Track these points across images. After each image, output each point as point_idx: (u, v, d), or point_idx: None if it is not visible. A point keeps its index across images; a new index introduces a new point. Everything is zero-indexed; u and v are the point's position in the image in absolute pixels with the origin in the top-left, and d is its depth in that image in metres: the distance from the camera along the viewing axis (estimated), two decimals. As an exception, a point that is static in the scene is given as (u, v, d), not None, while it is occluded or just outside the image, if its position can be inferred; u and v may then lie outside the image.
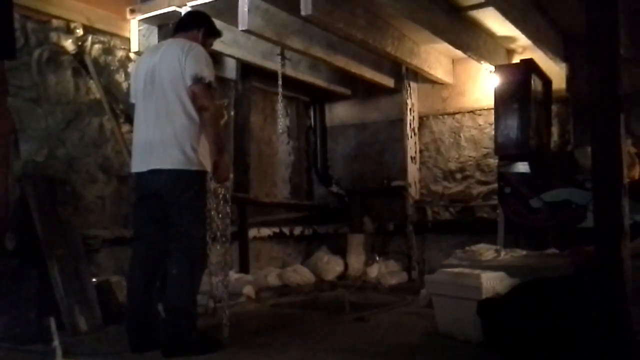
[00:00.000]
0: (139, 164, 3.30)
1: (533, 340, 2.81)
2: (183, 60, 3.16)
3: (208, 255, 3.29)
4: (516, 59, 5.64)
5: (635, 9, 4.75)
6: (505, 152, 4.87)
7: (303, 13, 4.02)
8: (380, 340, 3.52)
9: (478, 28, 5.07)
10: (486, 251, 3.93)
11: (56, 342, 2.81)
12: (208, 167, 3.24)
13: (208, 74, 3.18)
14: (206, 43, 3.45)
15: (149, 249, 3.32)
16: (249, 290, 5.13)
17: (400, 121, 6.37)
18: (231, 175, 3.52)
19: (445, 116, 6.30)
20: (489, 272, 3.42)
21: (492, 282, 3.29)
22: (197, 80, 3.14)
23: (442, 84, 6.22)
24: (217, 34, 3.61)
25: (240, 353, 3.20)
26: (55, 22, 4.39)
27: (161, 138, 3.18)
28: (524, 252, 4.12)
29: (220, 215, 3.33)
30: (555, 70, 5.43)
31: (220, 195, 3.33)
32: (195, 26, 3.45)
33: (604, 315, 2.77)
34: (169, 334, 3.15)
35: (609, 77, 3.00)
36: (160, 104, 3.21)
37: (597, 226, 2.95)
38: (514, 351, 2.88)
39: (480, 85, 6.01)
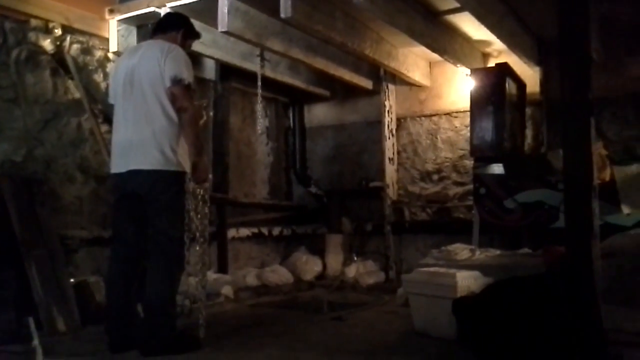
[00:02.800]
0: (118, 165, 3.32)
1: (506, 338, 2.89)
2: (162, 61, 3.19)
3: (186, 255, 3.31)
4: (492, 63, 5.74)
5: (606, 14, 4.87)
6: (481, 154, 4.96)
7: (283, 15, 4.06)
8: (358, 338, 3.59)
9: (454, 32, 5.15)
10: (461, 251, 4.02)
11: (36, 342, 2.82)
12: (187, 167, 3.26)
13: (187, 76, 3.21)
14: (185, 44, 3.47)
15: (128, 249, 3.33)
16: (227, 290, 5.15)
17: (378, 123, 6.43)
18: (210, 176, 3.54)
19: (423, 118, 6.39)
20: (464, 271, 3.50)
21: (467, 281, 3.37)
22: (177, 81, 3.17)
23: (419, 86, 6.30)
24: (195, 35, 3.64)
25: (218, 352, 3.24)
26: (33, 22, 4.36)
27: (140, 139, 3.20)
28: (498, 252, 4.22)
29: (199, 216, 3.34)
30: (530, 74, 5.54)
31: (199, 196, 3.35)
32: (174, 28, 3.48)
33: (574, 313, 2.86)
34: (148, 334, 3.17)
35: (580, 82, 3.09)
36: (139, 105, 3.23)
37: (568, 226, 3.04)
38: (487, 349, 2.95)
39: (457, 87, 6.10)
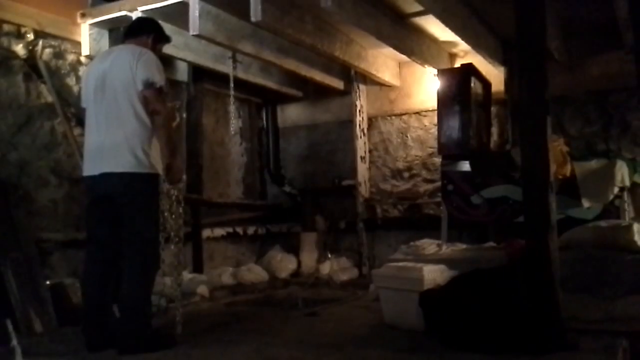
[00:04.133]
0: (90, 168, 3.36)
1: (469, 327, 3.03)
2: (134, 65, 3.23)
3: (160, 255, 3.38)
4: (458, 63, 5.91)
5: (568, 15, 5.04)
6: (448, 151, 5.12)
7: (253, 19, 4.17)
8: (330, 332, 3.69)
9: (422, 34, 5.29)
10: (429, 246, 4.15)
11: (14, 342, 2.86)
12: (160, 169, 3.33)
13: (159, 79, 3.26)
14: (156, 48, 3.52)
15: (103, 251, 3.39)
16: (202, 289, 5.22)
17: (350, 122, 6.57)
18: (184, 177, 3.61)
19: (393, 117, 6.54)
20: (430, 265, 3.63)
21: (433, 274, 3.50)
22: (149, 85, 3.22)
23: (389, 86, 6.45)
24: (166, 39, 3.69)
25: (193, 349, 3.30)
26: (5, 27, 4.40)
27: (113, 142, 3.25)
28: (464, 246, 4.37)
29: (173, 216, 3.43)
30: (495, 74, 5.71)
31: (173, 197, 3.43)
32: (144, 32, 3.52)
33: (533, 303, 3.01)
34: (124, 332, 3.23)
35: (536, 82, 3.24)
36: (112, 109, 3.28)
37: (527, 220, 3.20)
38: (452, 338, 3.09)
39: (426, 87, 6.26)
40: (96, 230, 3.44)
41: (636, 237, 3.39)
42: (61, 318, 4.03)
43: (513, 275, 3.13)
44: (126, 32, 3.61)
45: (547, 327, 2.96)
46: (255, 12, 4.12)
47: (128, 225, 3.26)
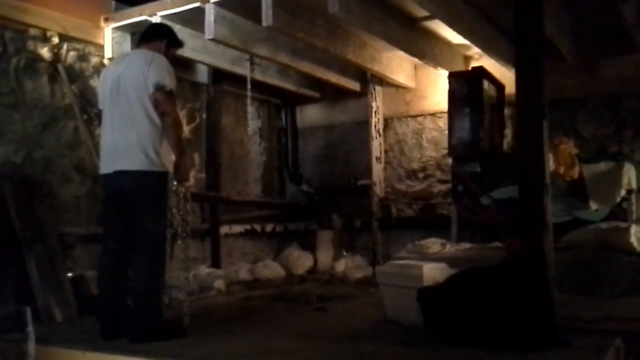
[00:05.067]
0: (105, 166, 3.57)
1: (464, 323, 3.13)
2: (146, 69, 3.42)
3: (167, 249, 3.57)
4: (473, 65, 5.97)
5: (579, 19, 5.08)
6: (458, 153, 5.20)
7: (264, 24, 4.31)
8: (333, 326, 3.83)
9: (434, 37, 5.38)
10: (433, 245, 4.25)
11: (30, 328, 3.07)
12: (170, 168, 3.51)
13: (169, 82, 3.43)
14: (168, 53, 3.70)
15: (117, 245, 3.59)
16: (219, 284, 5.40)
17: (366, 123, 6.68)
18: (192, 176, 3.78)
19: (409, 118, 6.63)
20: (431, 263, 3.74)
21: (433, 272, 3.61)
22: (159, 88, 3.39)
23: (405, 87, 6.54)
24: (178, 44, 3.87)
25: (201, 339, 3.47)
26: (32, 31, 4.62)
27: (126, 142, 3.44)
28: (468, 245, 4.46)
29: (181, 212, 3.60)
30: (509, 76, 5.73)
31: (181, 194, 3.61)
32: (157, 37, 3.71)
33: (527, 301, 3.09)
34: (135, 322, 3.42)
35: (534, 87, 3.31)
36: (125, 110, 3.47)
37: (523, 221, 3.28)
38: (446, 333, 3.20)
39: (441, 89, 6.31)
40: (111, 225, 3.64)
41: (632, 239, 3.43)
42: (81, 308, 4.24)
43: (507, 274, 3.21)
44: (140, 37, 3.80)
45: (539, 325, 3.04)
46: (267, 16, 4.26)
47: (139, 220, 3.45)
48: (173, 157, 3.52)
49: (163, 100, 3.41)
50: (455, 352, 3.02)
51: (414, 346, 3.15)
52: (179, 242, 3.64)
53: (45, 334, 3.53)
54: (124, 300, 3.63)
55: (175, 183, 3.57)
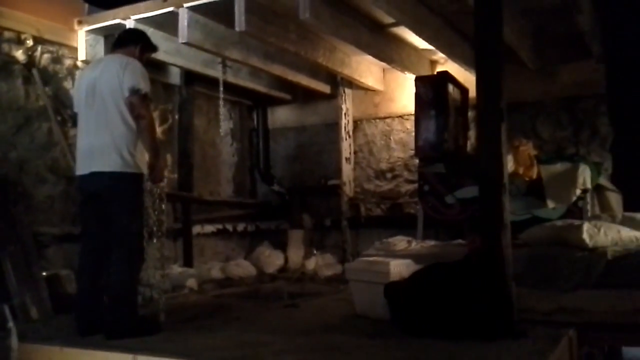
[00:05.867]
0: (81, 167, 3.66)
1: (426, 315, 3.31)
2: (121, 74, 3.52)
3: (144, 248, 3.68)
4: (439, 69, 6.19)
5: (540, 26, 5.33)
6: (424, 154, 5.40)
7: (237, 29, 4.46)
8: (304, 321, 3.98)
9: (401, 42, 5.57)
10: (400, 242, 4.43)
11: (11, 324, 3.16)
12: (144, 169, 3.62)
13: (144, 86, 3.54)
14: (142, 57, 3.80)
15: (95, 244, 3.69)
16: (191, 282, 5.50)
17: (336, 124, 6.85)
18: (165, 177, 3.89)
19: (377, 120, 6.83)
20: (398, 259, 3.91)
21: (399, 268, 3.78)
22: (134, 92, 3.50)
23: (374, 90, 6.72)
24: (152, 49, 3.98)
25: (176, 335, 3.58)
26: (6, 34, 4.68)
27: (101, 144, 3.54)
28: (433, 243, 4.65)
29: (156, 212, 3.72)
30: (473, 80, 5.90)
31: (156, 195, 3.72)
32: (132, 42, 3.82)
33: (485, 294, 3.29)
34: (112, 319, 3.52)
35: (492, 93, 3.50)
36: (101, 113, 3.56)
37: (482, 219, 3.48)
38: (412, 325, 3.37)
39: (408, 92, 6.47)
40: (88, 225, 3.74)
41: (585, 236, 3.65)
42: (56, 306, 4.32)
43: (468, 269, 3.41)
44: (115, 42, 3.90)
45: (497, 316, 3.24)
46: (240, 22, 4.40)
47: (115, 220, 3.56)
48: (147, 159, 3.63)
49: (138, 104, 3.52)
50: (417, 342, 3.19)
51: (380, 338, 3.32)
52: (155, 241, 3.75)
53: (22, 331, 3.59)
54: (101, 297, 3.72)
55: (150, 184, 3.68)
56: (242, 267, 6.37)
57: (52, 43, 5.05)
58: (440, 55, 6.05)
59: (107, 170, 3.53)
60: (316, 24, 4.46)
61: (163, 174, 3.78)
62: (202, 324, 3.95)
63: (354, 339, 3.35)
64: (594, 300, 3.56)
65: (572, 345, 3.39)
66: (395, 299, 3.54)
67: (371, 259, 4.11)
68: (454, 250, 4.08)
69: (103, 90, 3.57)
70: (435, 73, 6.03)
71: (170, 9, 4.72)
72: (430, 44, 5.01)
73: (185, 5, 4.66)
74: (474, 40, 3.55)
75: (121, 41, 3.86)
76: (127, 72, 3.53)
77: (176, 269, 5.75)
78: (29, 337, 3.55)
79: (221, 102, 5.96)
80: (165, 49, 5.28)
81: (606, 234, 3.67)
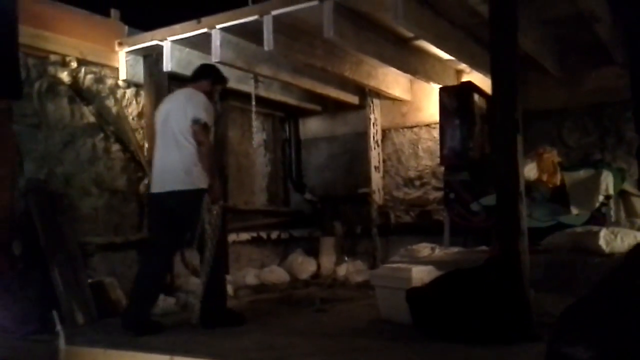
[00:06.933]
0: (156, 186, 4.24)
1: (447, 319, 3.47)
2: (186, 105, 4.12)
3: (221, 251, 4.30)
4: (465, 78, 6.32)
5: (563, 35, 5.41)
6: (449, 162, 5.55)
7: (266, 48, 4.70)
8: (331, 325, 4.17)
9: (425, 54, 5.72)
10: (423, 249, 4.59)
11: (59, 327, 3.45)
12: (205, 187, 4.10)
13: (204, 117, 4.09)
14: (213, 89, 4.41)
15: (163, 253, 4.23)
16: (228, 288, 5.73)
17: (365, 134, 7.04)
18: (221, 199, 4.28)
19: (405, 129, 6.99)
20: (420, 266, 4.07)
21: (421, 274, 3.94)
22: (196, 121, 4.05)
23: (401, 100, 6.88)
24: (223, 81, 4.55)
25: (210, 337, 3.82)
26: (52, 57, 5.02)
27: (172, 166, 4.10)
28: (456, 249, 4.79)
29: (212, 228, 4.11)
30: (497, 88, 6.08)
31: (214, 212, 4.10)
32: (204, 77, 4.39)
33: (503, 298, 3.42)
34: (206, 312, 4.07)
35: (508, 105, 3.62)
36: (171, 139, 4.14)
37: (499, 226, 3.62)
38: (433, 329, 3.53)
39: (435, 101, 6.55)
40: (161, 236, 4.24)
41: (601, 242, 3.75)
42: (101, 312, 4.62)
43: (486, 275, 3.55)
44: (191, 76, 4.50)
45: (515, 321, 3.37)
46: (268, 41, 4.64)
47: (191, 231, 4.12)
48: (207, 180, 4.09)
49: (199, 132, 4.07)
50: (437, 346, 3.35)
51: (402, 341, 3.49)
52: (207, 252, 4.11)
53: (69, 335, 3.87)
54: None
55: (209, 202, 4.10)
56: (276, 274, 6.59)
57: (94, 64, 5.38)
58: (465, 65, 6.17)
59: (178, 189, 4.08)
60: (340, 41, 4.66)
61: (220, 194, 4.27)
62: (235, 328, 4.18)
63: (376, 342, 3.53)
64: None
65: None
66: (416, 304, 3.70)
67: (394, 265, 4.29)
68: (476, 257, 4.21)
69: (172, 119, 4.15)
70: (460, 83, 6.14)
71: (204, 30, 5.00)
72: (452, 55, 5.16)
73: (218, 26, 4.92)
74: (490, 52, 3.68)
75: (194, 76, 4.44)
76: (190, 104, 4.12)
77: (213, 276, 5.99)
78: (76, 340, 3.84)
79: (253, 115, 6.21)
80: (200, 67, 5.57)
81: (623, 240, 3.77)
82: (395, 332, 3.76)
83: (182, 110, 4.14)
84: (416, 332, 3.65)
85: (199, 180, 4.07)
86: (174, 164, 4.10)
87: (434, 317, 3.57)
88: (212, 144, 4.30)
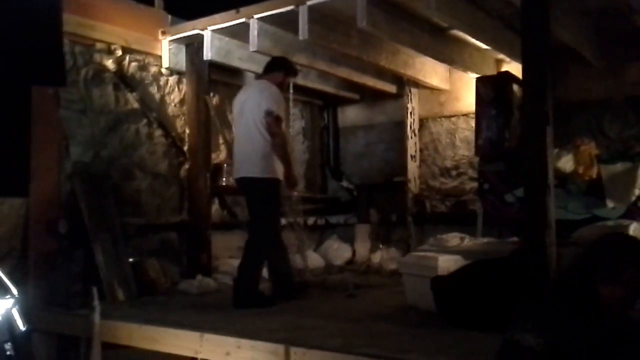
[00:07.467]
0: (235, 172, 4.61)
1: (470, 308, 3.52)
2: (259, 98, 4.38)
3: (279, 239, 4.59)
4: (505, 68, 6.25)
5: (599, 26, 5.32)
6: (484, 152, 5.53)
7: (301, 37, 4.78)
8: (359, 310, 4.29)
9: (463, 43, 5.69)
10: (453, 239, 4.60)
11: (96, 302, 3.65)
12: (280, 176, 4.41)
13: (276, 109, 4.35)
14: (285, 81, 4.70)
15: (257, 230, 4.53)
16: (263, 272, 5.90)
17: (402, 123, 7.06)
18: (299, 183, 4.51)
19: (443, 119, 6.98)
20: (447, 255, 4.12)
21: (447, 263, 3.99)
22: (269, 113, 4.31)
23: (439, 89, 6.87)
24: (294, 73, 4.82)
25: (240, 317, 3.98)
26: (98, 45, 5.24)
27: (246, 154, 4.41)
28: (485, 240, 4.80)
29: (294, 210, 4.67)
30: (537, 78, 6.00)
31: (293, 198, 4.55)
32: (276, 69, 4.63)
33: (522, 289, 3.44)
34: (240, 292, 4.38)
35: (538, 97, 3.60)
36: (246, 129, 4.44)
37: (527, 218, 3.63)
38: (455, 316, 3.60)
39: (474, 91, 6.58)
40: (251, 216, 4.59)
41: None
42: (140, 289, 4.86)
43: (509, 266, 3.58)
44: (264, 68, 4.73)
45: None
46: (303, 31, 4.72)
47: (253, 215, 4.52)
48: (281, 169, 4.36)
49: (272, 123, 4.32)
50: (456, 332, 3.41)
51: (423, 327, 3.57)
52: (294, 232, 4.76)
53: (109, 311, 4.10)
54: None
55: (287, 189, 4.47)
56: (312, 259, 6.71)
57: (138, 52, 5.58)
58: (504, 55, 6.12)
59: (249, 176, 4.39)
60: (374, 31, 4.71)
61: (296, 181, 4.59)
62: (267, 310, 4.33)
63: (398, 327, 3.63)
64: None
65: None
66: (440, 292, 3.77)
67: (421, 254, 4.35)
68: (505, 248, 4.21)
69: (247, 110, 4.44)
70: (492, 74, 6.08)
71: (242, 19, 5.12)
72: (489, 45, 5.13)
73: (256, 16, 5.03)
74: (522, 45, 3.66)
75: (267, 68, 4.68)
76: (263, 97, 4.37)
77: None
78: (114, 315, 4.07)
79: (291, 103, 6.30)
80: (240, 56, 5.72)
81: (653, 235, 3.72)
82: (419, 319, 3.84)
83: (255, 102, 4.38)
84: (439, 320, 3.72)
85: (269, 170, 4.34)
86: (247, 153, 4.39)
87: (456, 305, 3.63)
88: (285, 134, 4.57)
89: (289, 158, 4.55)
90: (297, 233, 4.71)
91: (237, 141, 4.59)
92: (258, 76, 4.77)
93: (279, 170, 4.40)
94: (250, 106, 4.41)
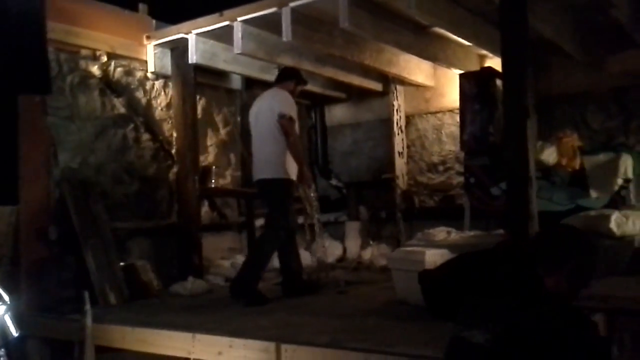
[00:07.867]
0: (254, 175, 4.90)
1: (455, 300, 3.57)
2: (273, 103, 4.67)
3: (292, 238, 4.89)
4: (488, 63, 6.32)
5: (579, 21, 5.39)
6: (469, 147, 5.60)
7: (285, 39, 4.83)
8: (348, 306, 4.34)
9: (446, 40, 5.74)
10: (440, 233, 4.67)
11: (87, 306, 3.68)
12: (293, 176, 4.70)
13: (289, 111, 4.63)
14: (296, 89, 4.96)
15: (271, 230, 4.79)
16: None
17: (389, 120, 7.12)
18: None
19: (429, 115, 7.05)
20: (434, 249, 4.18)
21: (434, 257, 4.05)
22: (282, 116, 4.60)
23: (424, 86, 6.93)
24: (304, 82, 5.12)
25: (233, 316, 4.04)
26: (83, 52, 5.27)
27: (262, 158, 4.73)
28: (472, 233, 4.86)
29: (310, 207, 5.00)
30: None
31: (309, 195, 4.90)
32: (288, 78, 4.94)
33: (510, 281, 3.51)
34: (239, 287, 4.62)
35: (517, 91, 3.67)
36: (261, 133, 4.76)
37: (509, 210, 3.69)
38: (441, 310, 3.65)
39: (458, 86, 6.69)
40: (267, 217, 4.93)
41: (612, 225, 3.79)
42: (132, 293, 4.89)
43: (494, 258, 3.64)
44: (276, 77, 5.07)
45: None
46: (287, 33, 4.77)
47: (268, 214, 4.86)
48: (295, 168, 4.67)
49: (286, 124, 4.61)
50: (443, 325, 3.43)
51: (411, 321, 3.63)
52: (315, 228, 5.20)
53: (101, 315, 4.14)
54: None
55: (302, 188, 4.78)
56: (303, 257, 6.74)
57: (124, 57, 5.60)
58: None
59: (264, 177, 4.71)
60: (356, 31, 4.76)
61: (309, 179, 4.87)
62: (259, 308, 4.38)
63: (387, 322, 3.68)
64: (621, 287, 3.71)
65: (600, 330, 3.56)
66: (427, 286, 3.83)
67: (409, 249, 4.41)
68: (491, 241, 4.28)
69: (261, 115, 4.75)
70: (475, 70, 6.15)
71: (226, 22, 5.16)
72: (470, 41, 5.20)
73: (239, 19, 5.07)
74: (501, 40, 3.71)
75: (279, 77, 5.01)
76: (276, 101, 4.68)
77: (240, 259, 6.21)
78: (106, 319, 4.10)
79: (278, 104, 6.34)
80: (225, 58, 5.76)
81: (634, 224, 3.80)
82: (408, 313, 3.90)
83: (269, 108, 4.67)
84: (427, 313, 3.77)
85: (285, 171, 4.62)
86: (262, 156, 4.72)
87: (443, 298, 3.68)
88: (298, 134, 4.81)
89: (302, 157, 4.86)
90: (317, 232, 5.18)
91: (254, 147, 4.89)
92: (270, 85, 5.09)
93: (292, 171, 4.67)
94: (265, 113, 4.70)
